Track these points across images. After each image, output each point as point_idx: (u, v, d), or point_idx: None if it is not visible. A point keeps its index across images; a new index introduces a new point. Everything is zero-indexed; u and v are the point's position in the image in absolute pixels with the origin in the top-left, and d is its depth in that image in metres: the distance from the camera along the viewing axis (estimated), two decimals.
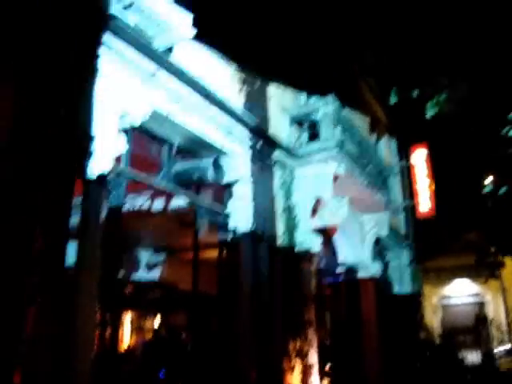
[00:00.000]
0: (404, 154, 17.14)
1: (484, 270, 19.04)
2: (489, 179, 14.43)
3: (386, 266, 15.13)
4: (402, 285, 15.87)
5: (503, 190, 7.87)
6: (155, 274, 11.71)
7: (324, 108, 9.40)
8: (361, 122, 13.31)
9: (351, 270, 12.74)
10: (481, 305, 21.58)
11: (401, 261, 16.42)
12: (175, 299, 11.03)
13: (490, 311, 21.17)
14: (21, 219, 4.07)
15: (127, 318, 11.29)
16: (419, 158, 16.58)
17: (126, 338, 11.24)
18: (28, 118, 4.28)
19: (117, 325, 5.59)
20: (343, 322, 12.28)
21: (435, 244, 19.13)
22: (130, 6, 5.54)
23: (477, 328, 19.76)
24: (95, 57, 5.13)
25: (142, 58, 5.69)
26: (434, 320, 21.29)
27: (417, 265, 17.12)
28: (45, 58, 4.50)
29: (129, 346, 11.07)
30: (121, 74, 5.50)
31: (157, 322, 12.00)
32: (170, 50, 6.21)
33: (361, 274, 12.81)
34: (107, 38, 5.19)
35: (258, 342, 7.38)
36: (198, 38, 6.32)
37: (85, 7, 4.89)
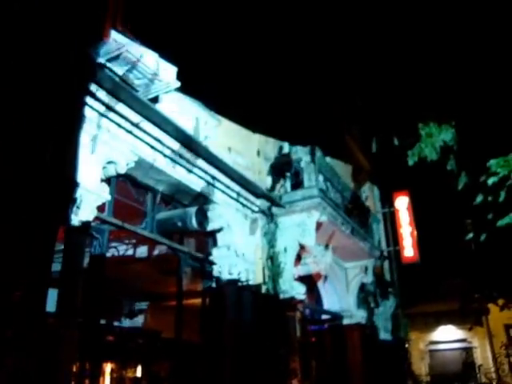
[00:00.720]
0: (387, 200, 17.40)
1: (469, 316, 18.97)
2: (469, 225, 14.63)
3: (371, 312, 15.06)
4: (388, 331, 15.76)
5: (483, 236, 7.96)
6: (137, 322, 11.54)
7: (307, 157, 9.58)
8: (343, 169, 13.55)
9: (336, 317, 12.68)
10: (468, 350, 21.41)
11: (386, 307, 16.38)
12: (158, 348, 10.83)
13: (477, 357, 21.01)
14: (2, 266, 4.04)
15: (107, 367, 11.03)
16: (401, 205, 16.86)
17: None
18: (12, 162, 4.30)
19: (97, 375, 5.49)
20: (329, 370, 12.11)
21: (420, 289, 19.14)
22: (118, 56, 5.70)
23: (465, 374, 19.55)
24: (81, 105, 5.23)
25: (128, 107, 5.80)
26: (421, 366, 21.05)
27: (403, 310, 17.06)
28: (30, 104, 4.56)
29: None
30: (106, 122, 5.60)
31: (139, 371, 11.72)
32: (155, 99, 6.36)
33: (346, 321, 12.74)
34: (94, 87, 5.31)
35: None
36: (183, 89, 6.48)
37: (72, 56, 5.00)
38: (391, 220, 17.31)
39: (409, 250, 16.91)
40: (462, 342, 21.60)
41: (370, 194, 17.06)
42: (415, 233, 16.80)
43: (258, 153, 9.63)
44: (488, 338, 19.80)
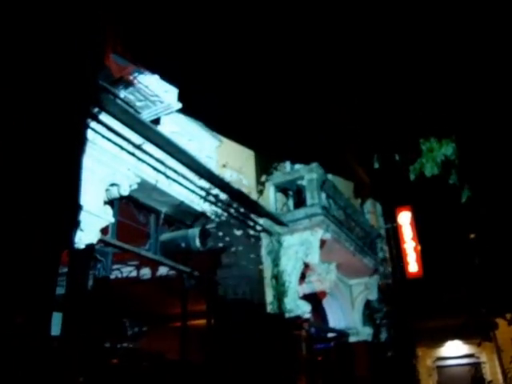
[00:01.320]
0: (389, 216, 17.36)
1: (477, 331, 18.77)
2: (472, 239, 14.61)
3: (378, 328, 14.94)
4: (394, 348, 15.60)
5: (490, 250, 7.96)
6: (141, 344, 11.43)
7: (309, 175, 9.59)
8: (345, 186, 13.55)
9: (342, 335, 12.58)
10: (477, 366, 21.12)
11: (392, 322, 16.24)
12: (162, 370, 10.72)
13: (486, 372, 20.71)
14: (5, 289, 4.03)
15: None
16: (404, 220, 16.83)
17: None
18: (16, 185, 4.31)
19: None
20: None
21: (426, 305, 18.98)
22: (119, 79, 5.76)
23: None
24: (84, 127, 5.26)
25: (130, 129, 5.83)
26: (429, 382, 20.75)
27: (409, 326, 16.91)
28: (33, 127, 4.58)
29: None
30: (109, 144, 5.63)
31: None
32: (157, 121, 6.41)
33: (352, 339, 12.64)
34: (96, 109, 5.35)
35: None
36: (184, 110, 6.53)
37: (75, 80, 5.04)
38: (395, 235, 17.25)
39: (413, 266, 16.83)
40: (470, 357, 21.29)
41: (372, 210, 17.04)
42: (419, 248, 16.74)
43: (260, 172, 9.65)
44: (497, 353, 19.55)
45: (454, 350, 21.52)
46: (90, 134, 5.33)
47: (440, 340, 21.45)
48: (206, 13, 6.73)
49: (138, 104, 6.11)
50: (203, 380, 7.50)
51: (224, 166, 8.26)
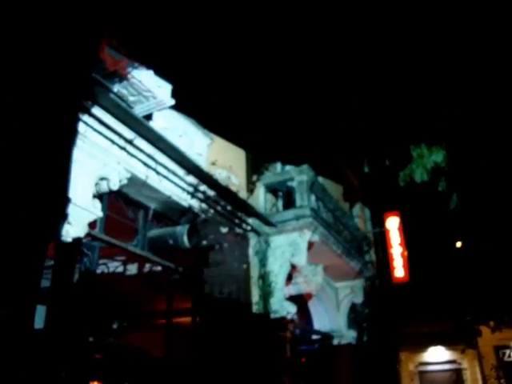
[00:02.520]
0: (377, 221, 17.43)
1: (460, 339, 18.92)
2: (458, 245, 14.74)
3: (361, 332, 15.00)
4: (378, 352, 15.66)
5: (475, 258, 8.03)
6: (126, 340, 11.38)
7: (299, 177, 9.61)
8: (335, 189, 13.60)
9: (327, 338, 12.61)
10: (458, 372, 21.29)
11: (376, 327, 16.31)
12: (146, 366, 10.67)
13: (467, 379, 20.90)
14: None
15: None
16: (392, 225, 16.90)
17: None
18: (3, 175, 4.27)
19: None
20: None
21: (410, 310, 19.09)
22: (113, 73, 5.73)
23: None
24: (76, 120, 5.22)
25: (122, 123, 5.80)
26: None
27: (393, 331, 16.99)
28: (22, 116, 4.54)
29: None
30: (100, 138, 5.60)
31: None
32: (149, 116, 6.38)
33: (336, 342, 12.68)
34: (88, 103, 5.31)
35: None
36: (177, 106, 6.51)
37: (68, 72, 5.00)
38: (382, 240, 17.32)
39: (399, 271, 16.90)
40: (451, 363, 21.46)
41: (361, 214, 17.11)
42: (406, 253, 16.83)
43: (251, 172, 9.65)
44: (478, 360, 19.73)
45: (437, 355, 21.68)
46: (81, 126, 5.29)
47: (423, 345, 21.60)
48: (202, 9, 6.71)
49: (131, 99, 6.09)
50: (187, 378, 7.48)
51: (214, 163, 8.24)
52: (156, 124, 6.44)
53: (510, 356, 19.92)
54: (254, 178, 9.68)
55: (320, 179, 10.69)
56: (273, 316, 8.86)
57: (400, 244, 16.83)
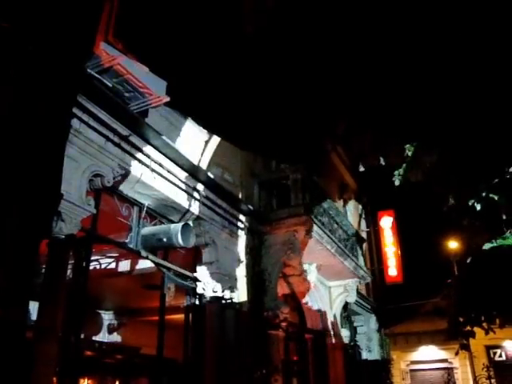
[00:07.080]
0: (371, 219, 17.47)
1: (453, 339, 18.98)
2: (453, 246, 14.75)
3: (354, 331, 15.05)
4: (370, 350, 15.73)
5: (469, 259, 8.03)
6: (117, 337, 11.35)
7: (294, 175, 9.59)
8: (330, 188, 13.59)
9: (320, 336, 12.61)
10: (449, 371, 21.39)
11: (369, 326, 16.38)
12: (137, 364, 10.63)
13: (458, 378, 20.99)
14: None
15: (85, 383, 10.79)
16: (386, 225, 16.97)
17: None
18: None
19: None
20: None
21: (402, 309, 19.15)
22: (108, 69, 5.67)
23: None
24: (70, 116, 5.17)
25: (116, 120, 5.76)
26: None
27: (385, 330, 17.05)
28: (15, 111, 4.49)
29: None
30: (94, 134, 5.55)
31: None
32: (144, 113, 6.33)
33: (329, 340, 12.69)
34: (82, 98, 5.26)
35: None
36: (173, 103, 6.46)
37: (62, 67, 4.95)
38: (376, 239, 17.37)
39: (392, 270, 16.99)
40: (443, 362, 21.55)
41: (355, 213, 17.14)
42: (399, 252, 16.90)
43: (246, 170, 9.62)
44: (469, 359, 19.81)
45: (428, 354, 21.76)
46: (75, 122, 5.24)
47: (415, 344, 21.68)
48: (199, 6, 6.67)
49: (127, 95, 6.03)
50: (179, 375, 7.47)
51: (209, 162, 8.21)
52: (151, 121, 6.39)
53: (501, 355, 20.02)
54: (249, 176, 9.65)
55: (315, 177, 10.66)
56: (266, 314, 8.85)
57: (393, 243, 16.90)
